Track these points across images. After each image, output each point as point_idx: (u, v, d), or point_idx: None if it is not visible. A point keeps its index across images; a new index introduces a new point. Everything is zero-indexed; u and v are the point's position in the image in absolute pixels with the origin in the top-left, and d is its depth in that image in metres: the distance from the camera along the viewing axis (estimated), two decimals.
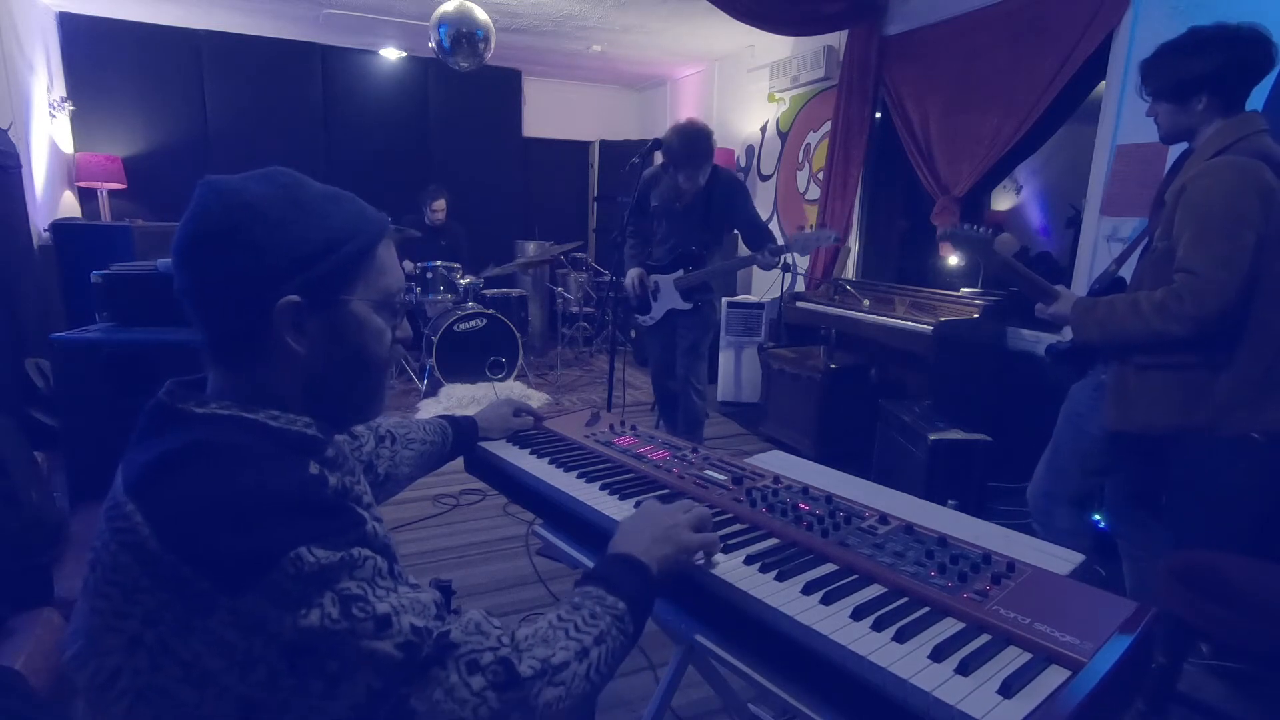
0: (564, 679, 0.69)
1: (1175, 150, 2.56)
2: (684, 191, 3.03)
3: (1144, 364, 1.66)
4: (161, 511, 0.60)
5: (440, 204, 5.11)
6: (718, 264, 3.11)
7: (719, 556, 0.91)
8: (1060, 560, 0.95)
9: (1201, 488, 1.66)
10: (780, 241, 2.95)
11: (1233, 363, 1.56)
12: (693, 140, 2.87)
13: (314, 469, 0.67)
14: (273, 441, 0.68)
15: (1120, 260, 1.88)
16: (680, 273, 3.10)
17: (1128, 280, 1.83)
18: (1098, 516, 2.06)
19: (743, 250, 3.18)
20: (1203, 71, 1.58)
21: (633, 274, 3.18)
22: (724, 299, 4.39)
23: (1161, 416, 1.64)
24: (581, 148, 7.29)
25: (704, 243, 3.09)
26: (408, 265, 4.81)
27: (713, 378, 4.42)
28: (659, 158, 3.06)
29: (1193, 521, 1.67)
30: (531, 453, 1.29)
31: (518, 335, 4.77)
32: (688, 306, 3.10)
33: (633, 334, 6.05)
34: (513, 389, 4.68)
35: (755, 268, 3.14)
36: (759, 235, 3.07)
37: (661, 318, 3.22)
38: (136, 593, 0.59)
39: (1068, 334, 1.84)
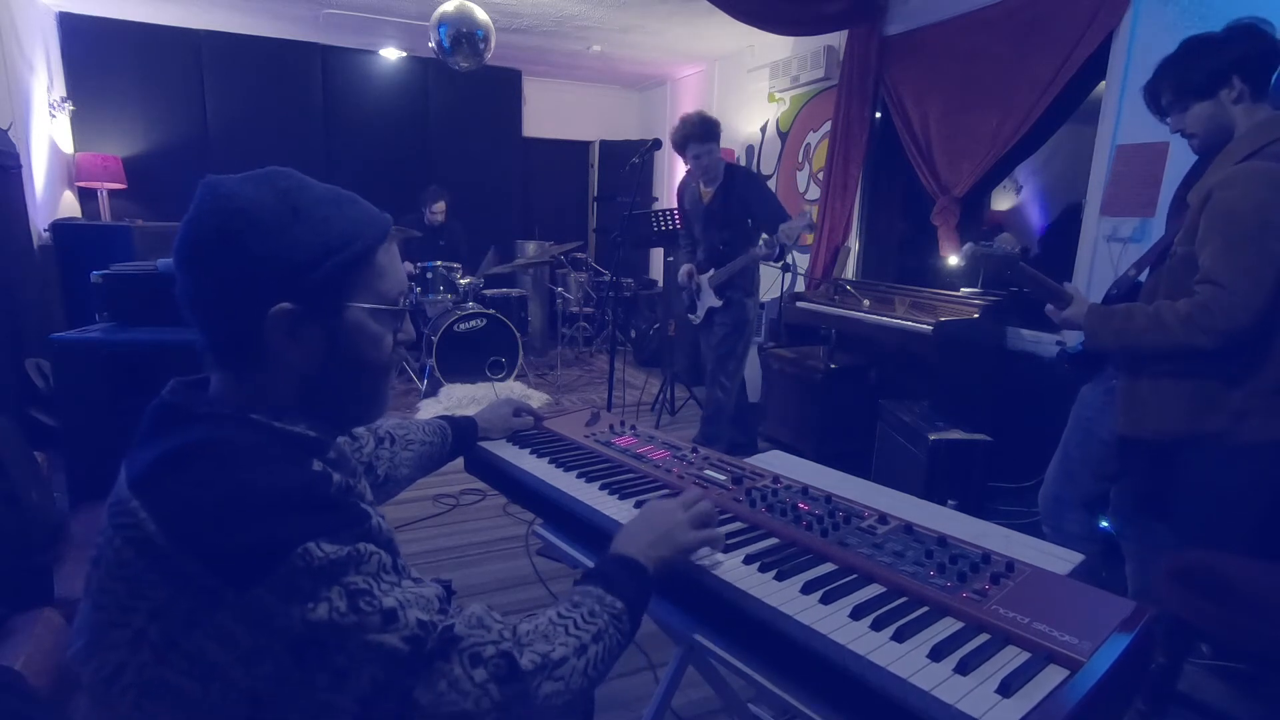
0: (563, 674, 0.70)
1: (1178, 150, 2.57)
2: (705, 192, 3.23)
3: (1157, 370, 1.62)
4: (167, 507, 0.60)
5: (440, 205, 5.13)
6: (736, 260, 3.21)
7: (719, 556, 0.91)
8: (1059, 560, 0.95)
9: (1210, 493, 1.64)
10: (809, 240, 3.07)
11: (1248, 371, 1.52)
12: (688, 122, 3.13)
13: (318, 466, 0.68)
14: (276, 441, 0.69)
15: (1140, 265, 1.83)
16: (711, 271, 3.30)
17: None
18: (1105, 523, 2.06)
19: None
20: (1230, 57, 1.54)
21: (683, 269, 3.43)
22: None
23: (1173, 423, 1.60)
24: (581, 148, 7.30)
25: (727, 240, 3.25)
26: (407, 266, 4.82)
27: None
28: (657, 156, 3.17)
29: (1200, 526, 1.65)
30: (531, 453, 1.29)
31: (518, 335, 4.77)
32: (719, 302, 3.30)
33: (632, 334, 6.05)
34: (513, 389, 4.67)
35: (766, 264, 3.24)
36: (777, 225, 3.13)
37: (704, 316, 3.41)
38: (141, 588, 0.59)
39: (1071, 334, 1.82)
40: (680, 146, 3.16)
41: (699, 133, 3.10)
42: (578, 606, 0.77)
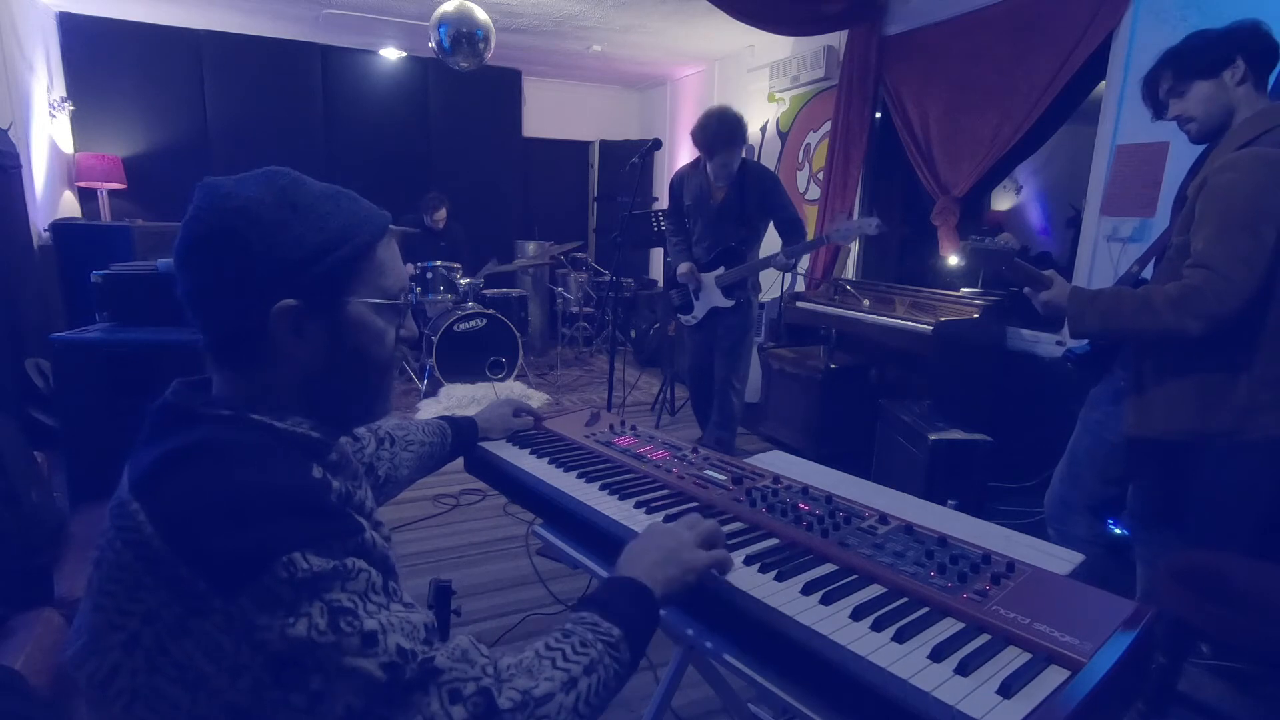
0: (548, 712, 0.66)
1: (1178, 149, 2.57)
2: (717, 188, 3.11)
3: (1162, 369, 1.61)
4: (164, 509, 0.60)
5: (441, 214, 5.19)
6: (755, 260, 3.13)
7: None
8: (1060, 560, 0.95)
9: (1223, 493, 1.62)
10: (811, 237, 2.99)
11: (1253, 365, 1.50)
12: (726, 122, 2.93)
13: (317, 472, 0.67)
14: (278, 443, 0.68)
15: (1143, 261, 1.82)
16: (721, 270, 3.14)
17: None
18: (1111, 521, 2.05)
19: (768, 245, 3.19)
20: (1235, 41, 1.53)
21: (685, 266, 3.23)
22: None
23: (1181, 422, 1.59)
24: (581, 148, 7.30)
25: (742, 238, 3.13)
26: (408, 267, 4.82)
27: None
28: (657, 156, 3.11)
29: (1212, 527, 1.64)
30: (531, 453, 1.29)
31: (518, 335, 4.78)
32: (730, 304, 3.14)
33: (632, 334, 6.05)
34: (513, 389, 4.68)
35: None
36: (793, 228, 3.10)
37: (704, 316, 3.26)
38: (138, 591, 0.59)
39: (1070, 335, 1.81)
40: (708, 150, 2.95)
41: (731, 138, 2.91)
42: (568, 636, 0.72)
